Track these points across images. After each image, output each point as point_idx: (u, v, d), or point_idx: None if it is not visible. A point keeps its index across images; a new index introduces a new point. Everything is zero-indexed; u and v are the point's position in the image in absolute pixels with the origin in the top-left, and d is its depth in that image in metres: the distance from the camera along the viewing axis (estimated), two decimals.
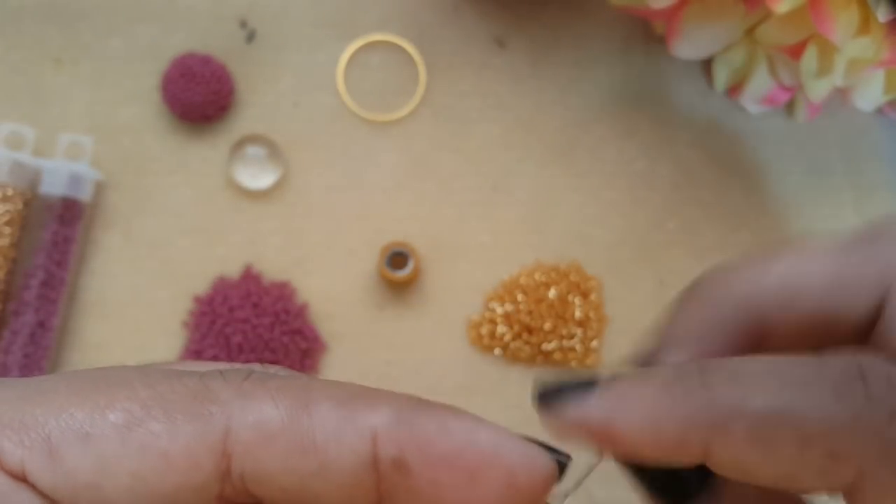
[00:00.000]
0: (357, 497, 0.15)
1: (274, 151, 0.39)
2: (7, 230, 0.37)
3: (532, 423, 0.42)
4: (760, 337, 0.19)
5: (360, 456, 0.15)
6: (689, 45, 0.38)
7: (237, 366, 0.17)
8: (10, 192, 0.37)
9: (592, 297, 0.39)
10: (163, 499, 0.15)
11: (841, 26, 0.32)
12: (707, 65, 0.41)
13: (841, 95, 0.38)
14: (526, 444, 0.16)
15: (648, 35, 0.42)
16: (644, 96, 0.42)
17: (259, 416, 0.15)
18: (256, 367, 0.17)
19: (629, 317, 0.39)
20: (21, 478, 0.14)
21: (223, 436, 0.15)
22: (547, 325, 0.38)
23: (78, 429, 0.15)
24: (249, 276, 0.39)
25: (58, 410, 0.15)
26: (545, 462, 0.16)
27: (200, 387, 0.15)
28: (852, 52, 0.34)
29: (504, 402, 0.38)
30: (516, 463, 0.15)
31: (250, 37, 0.41)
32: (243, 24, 0.41)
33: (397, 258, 0.38)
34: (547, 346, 0.38)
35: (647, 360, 0.20)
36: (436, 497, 0.15)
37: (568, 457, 0.16)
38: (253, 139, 0.39)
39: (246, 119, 0.40)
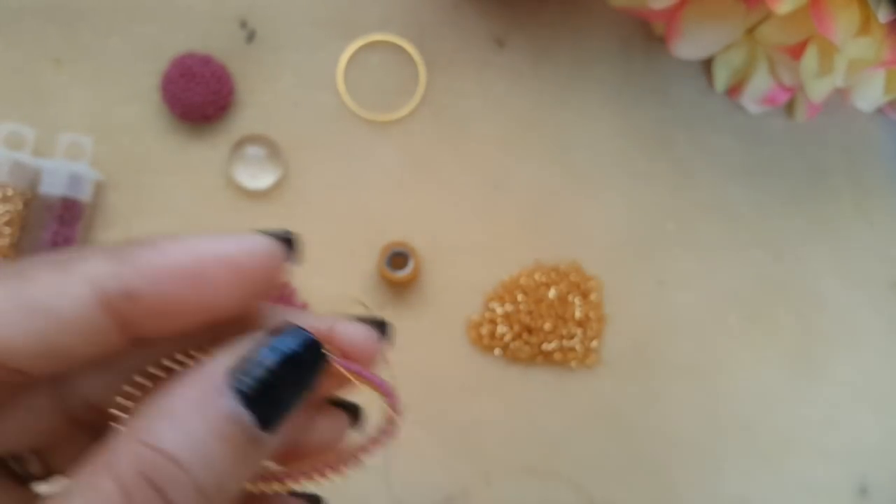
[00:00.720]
0: (102, 338, 0.17)
1: (274, 151, 0.39)
2: (7, 230, 0.37)
3: (533, 423, 0.42)
4: None
5: (84, 299, 0.16)
6: (689, 45, 0.38)
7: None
8: (10, 192, 0.37)
9: (592, 297, 0.39)
10: None
11: (841, 26, 0.32)
12: (707, 65, 0.41)
13: (841, 95, 0.38)
14: (239, 235, 0.17)
15: (648, 35, 0.42)
16: (644, 96, 0.42)
17: None
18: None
19: (629, 317, 0.39)
20: None
21: None
22: (547, 325, 0.38)
23: None
24: None
25: None
26: (262, 242, 0.17)
27: None
28: (852, 52, 0.34)
29: (504, 402, 0.38)
30: (234, 252, 0.17)
31: (250, 37, 0.41)
32: (243, 24, 0.41)
33: (397, 258, 0.38)
34: (547, 346, 0.38)
35: None
36: (173, 309, 0.17)
37: (288, 231, 0.18)
38: (253, 139, 0.39)
39: (246, 119, 0.40)
